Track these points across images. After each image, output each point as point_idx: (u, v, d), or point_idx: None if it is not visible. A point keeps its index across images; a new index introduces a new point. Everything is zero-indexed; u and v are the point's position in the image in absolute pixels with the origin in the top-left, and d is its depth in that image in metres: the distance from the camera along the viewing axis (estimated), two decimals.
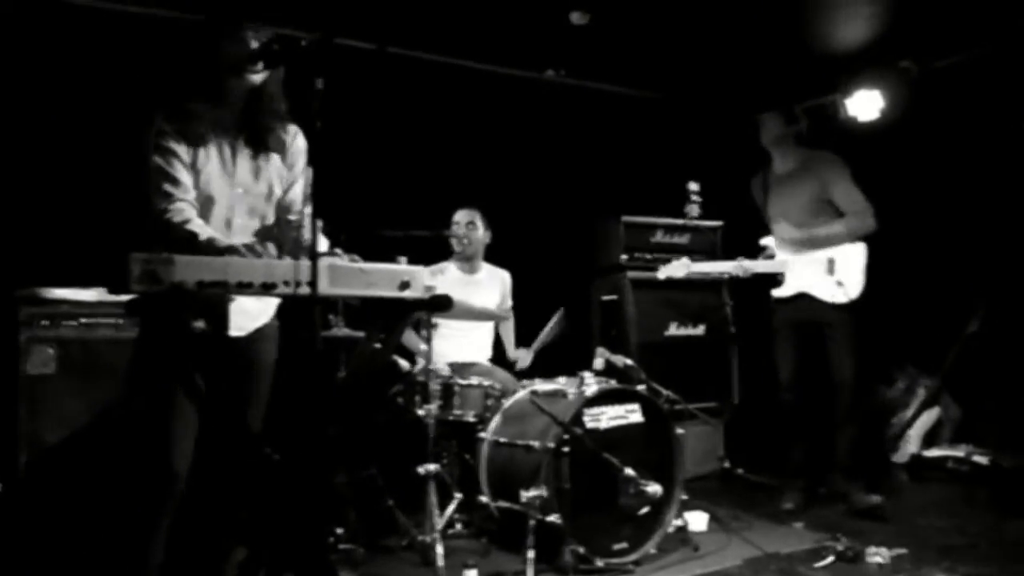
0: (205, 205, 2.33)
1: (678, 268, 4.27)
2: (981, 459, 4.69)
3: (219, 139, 2.36)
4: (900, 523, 3.83)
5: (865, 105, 5.25)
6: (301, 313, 2.03)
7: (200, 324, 2.25)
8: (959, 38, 4.84)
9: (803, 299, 4.09)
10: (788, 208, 4.15)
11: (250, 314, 2.42)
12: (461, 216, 4.30)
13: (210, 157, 2.34)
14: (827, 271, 4.06)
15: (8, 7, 3.72)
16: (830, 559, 3.24)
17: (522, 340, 4.49)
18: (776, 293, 4.15)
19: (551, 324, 4.22)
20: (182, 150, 2.29)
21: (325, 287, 2.01)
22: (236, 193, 2.38)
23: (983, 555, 3.30)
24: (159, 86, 2.40)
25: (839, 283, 4.03)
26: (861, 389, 4.12)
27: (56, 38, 3.85)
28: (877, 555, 3.22)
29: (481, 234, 4.31)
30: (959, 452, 4.85)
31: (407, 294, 2.14)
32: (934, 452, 4.97)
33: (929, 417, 5.14)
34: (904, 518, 3.92)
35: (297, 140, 2.52)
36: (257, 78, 2.34)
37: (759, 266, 4.20)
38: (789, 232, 4.13)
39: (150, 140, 2.29)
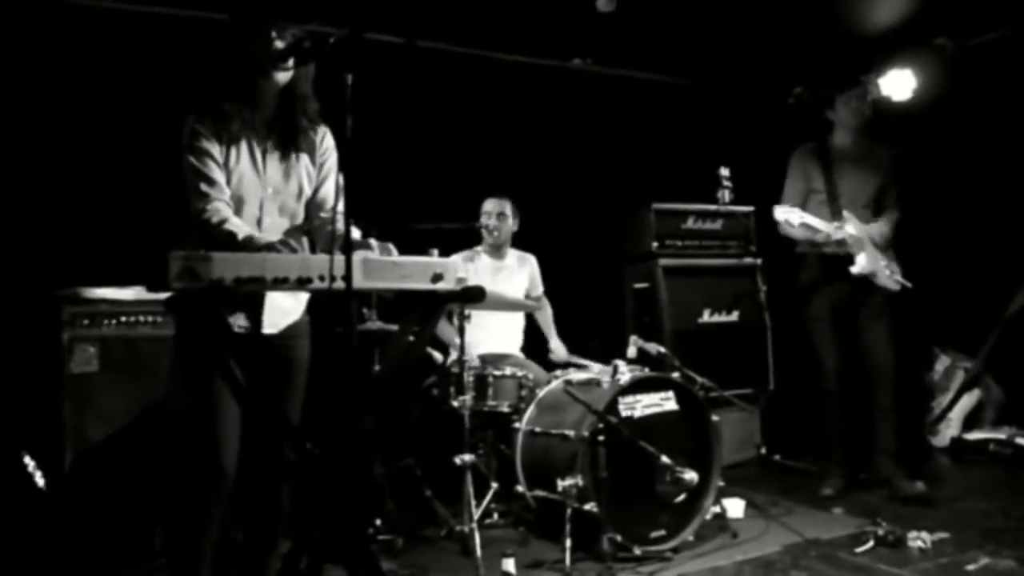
0: (236, 204, 2.35)
1: (789, 212, 3.94)
2: None
3: (250, 139, 2.37)
4: (942, 507, 3.79)
5: (899, 85, 5.16)
6: (336, 307, 2.05)
7: (240, 321, 2.30)
8: (995, 14, 4.74)
9: (865, 283, 4.03)
10: (857, 192, 4.11)
11: (282, 310, 2.44)
12: (491, 206, 4.30)
13: (241, 157, 2.36)
14: (884, 259, 4.07)
15: (44, 13, 3.80)
16: (870, 544, 3.21)
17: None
18: (854, 270, 3.98)
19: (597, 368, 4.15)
20: (215, 150, 2.31)
21: (360, 281, 2.03)
22: (267, 193, 2.40)
23: None
24: (193, 86, 2.42)
25: (893, 271, 4.07)
26: (902, 374, 4.07)
27: (91, 41, 3.92)
28: (919, 539, 3.18)
29: (511, 223, 4.31)
30: (1001, 435, 4.77)
31: (440, 286, 2.15)
32: (976, 435, 4.90)
33: (970, 400, 5.06)
34: (945, 502, 3.87)
35: (326, 139, 2.53)
36: (286, 76, 2.35)
37: (853, 237, 3.97)
38: (859, 214, 4.06)
39: (184, 140, 2.32)
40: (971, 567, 2.97)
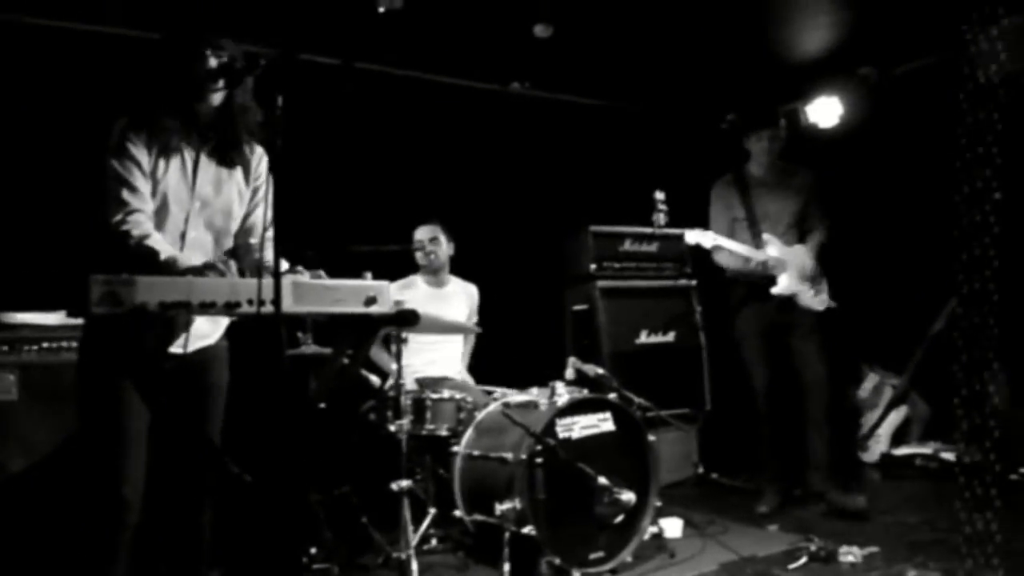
0: (160, 215, 2.27)
1: (703, 236, 4.12)
2: (949, 456, 4.75)
3: (182, 149, 2.31)
4: (871, 521, 3.88)
5: (825, 112, 5.36)
6: (267, 332, 2.00)
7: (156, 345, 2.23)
8: (917, 44, 4.95)
9: (790, 302, 4.14)
10: (777, 215, 4.22)
11: (198, 333, 2.35)
12: (423, 233, 4.29)
13: (171, 167, 2.28)
14: (808, 280, 4.16)
15: None
16: (804, 560, 3.27)
17: (487, 352, 4.48)
18: (775, 291, 4.12)
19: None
20: (143, 157, 2.23)
21: (290, 305, 2.00)
22: (194, 206, 2.33)
23: (953, 549, 3.33)
24: (120, 105, 2.35)
25: (818, 291, 4.18)
26: (833, 391, 4.16)
27: (8, 59, 3.80)
28: (849, 554, 3.26)
29: (445, 248, 4.30)
30: (928, 449, 4.92)
31: (374, 310, 2.13)
32: (903, 450, 5.04)
33: (897, 416, 5.22)
34: (875, 516, 3.96)
35: (262, 163, 2.48)
36: (218, 97, 2.31)
37: (773, 258, 4.12)
38: (779, 237, 4.18)
39: (110, 143, 2.24)
40: None
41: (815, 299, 4.16)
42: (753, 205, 4.25)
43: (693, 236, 4.15)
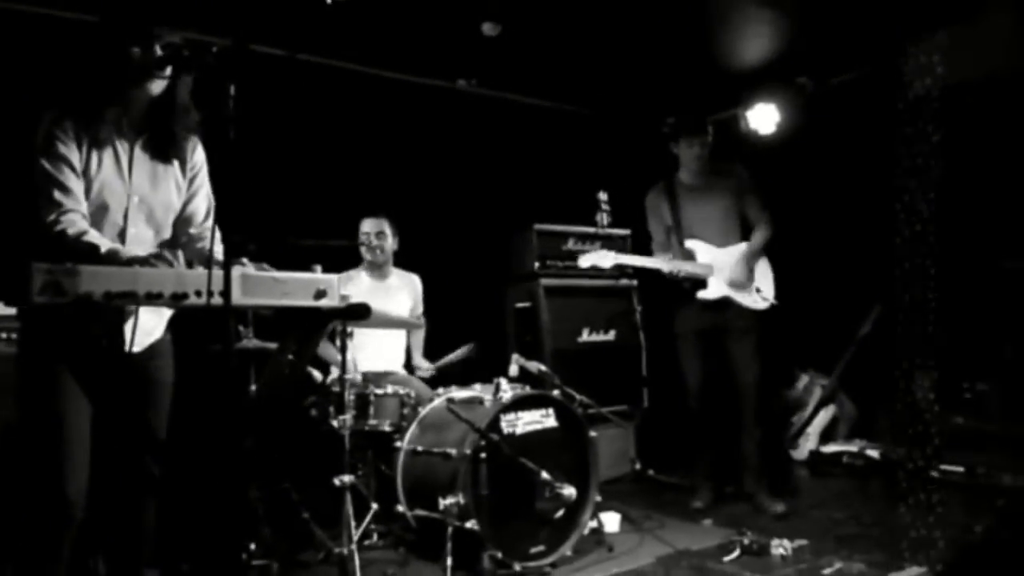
0: (98, 213, 2.21)
1: (603, 258, 4.19)
2: (874, 453, 4.95)
3: (115, 143, 2.25)
4: (801, 516, 4.03)
5: (763, 119, 5.51)
6: (211, 324, 1.97)
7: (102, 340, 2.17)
8: (851, 57, 5.13)
9: (725, 303, 4.20)
10: (706, 219, 4.27)
11: (144, 329, 2.30)
12: (369, 226, 4.28)
13: (104, 162, 2.22)
14: (748, 278, 4.23)
15: None
16: (737, 553, 3.38)
17: (434, 348, 4.49)
18: (702, 295, 4.19)
19: (458, 352, 4.20)
20: (74, 155, 2.16)
21: (239, 297, 1.99)
22: (132, 201, 2.27)
23: (876, 542, 3.50)
24: (56, 86, 2.27)
25: (758, 290, 4.24)
26: (765, 392, 4.28)
27: None
28: (780, 547, 3.37)
29: (390, 242, 4.30)
30: (854, 447, 5.10)
31: (323, 303, 2.13)
32: (831, 448, 5.22)
33: (826, 415, 5.40)
34: (804, 511, 4.11)
35: (197, 152, 2.44)
36: (161, 85, 2.25)
37: (688, 267, 4.20)
38: (712, 239, 4.25)
39: (38, 142, 2.16)
40: (826, 571, 3.17)
41: (750, 298, 4.21)
42: (681, 212, 4.32)
43: (587, 259, 4.21)
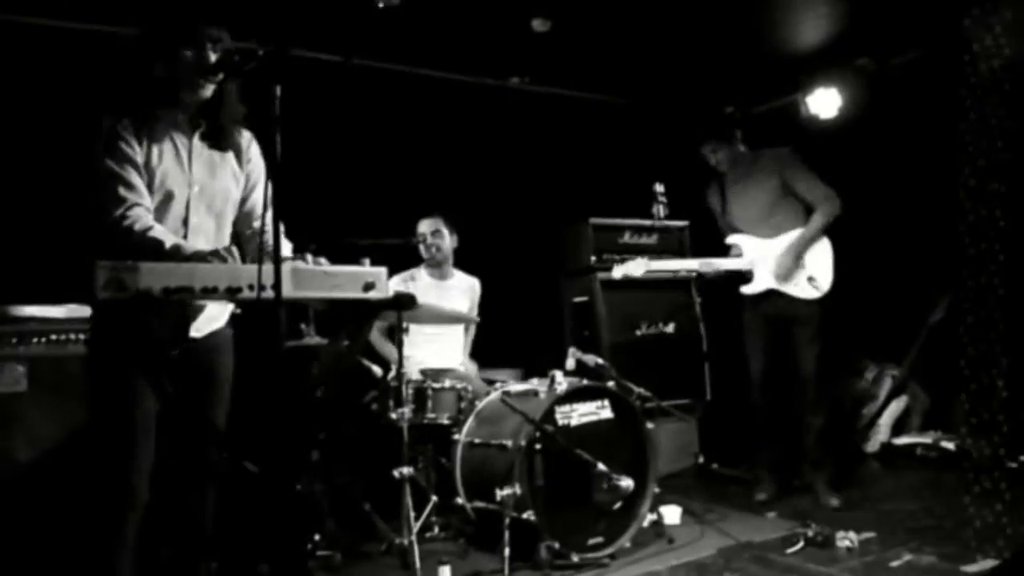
0: (162, 203, 2.31)
1: (636, 267, 4.19)
2: (949, 445, 4.78)
3: (173, 137, 2.35)
4: (870, 509, 3.92)
5: (824, 103, 5.38)
6: (266, 318, 2.04)
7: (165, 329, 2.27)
8: (913, 35, 4.97)
9: (773, 295, 4.13)
10: (750, 213, 4.21)
11: (209, 315, 2.41)
12: (426, 226, 4.34)
13: (164, 155, 2.32)
14: (794, 268, 4.12)
15: None
16: (801, 544, 3.31)
17: (488, 344, 4.53)
18: (746, 290, 4.17)
19: (506, 373, 4.24)
20: (135, 152, 2.26)
21: (289, 290, 2.05)
22: (193, 191, 2.37)
23: (949, 534, 3.39)
24: (117, 95, 2.38)
25: (810, 278, 4.11)
26: (826, 382, 4.18)
27: (12, 56, 3.86)
28: (846, 539, 3.29)
29: (448, 240, 4.35)
30: (927, 439, 4.95)
31: (372, 295, 2.18)
32: (903, 440, 5.07)
33: (897, 406, 5.24)
34: (874, 504, 4.00)
35: (252, 147, 2.53)
36: (212, 87, 2.34)
37: (726, 264, 4.18)
38: (759, 231, 4.18)
39: (101, 142, 2.26)
40: (895, 564, 3.08)
41: (798, 288, 4.10)
42: (728, 208, 4.30)
43: (619, 271, 4.24)
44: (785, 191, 4.16)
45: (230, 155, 2.47)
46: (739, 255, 4.25)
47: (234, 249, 2.14)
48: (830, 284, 4.11)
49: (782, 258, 4.09)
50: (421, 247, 4.30)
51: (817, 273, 4.11)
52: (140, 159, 2.27)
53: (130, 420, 2.24)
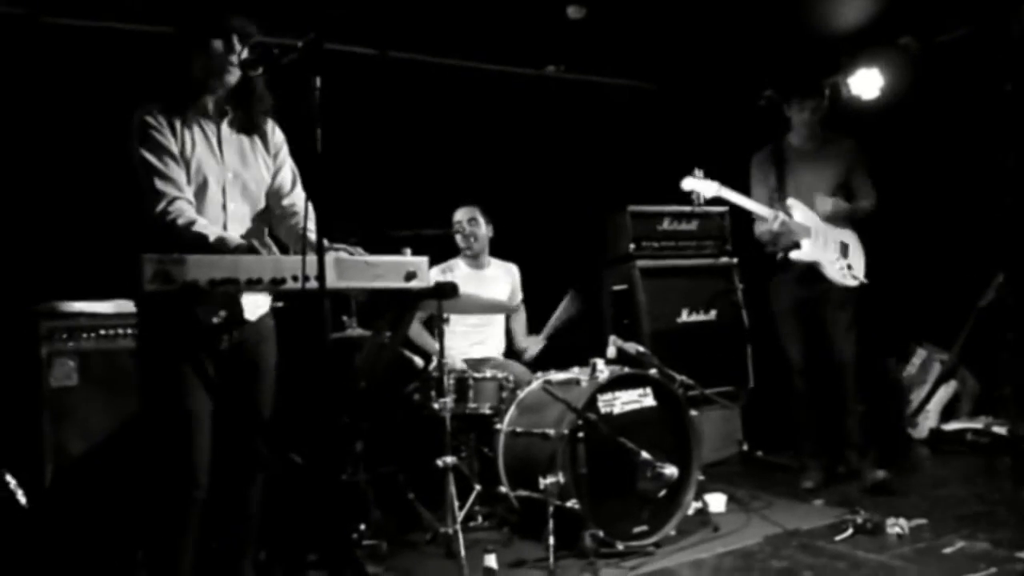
0: (199, 191, 2.35)
1: (707, 187, 4.10)
2: (1000, 430, 4.67)
3: (203, 125, 2.39)
4: (920, 495, 3.84)
5: (866, 84, 5.27)
6: (310, 310, 2.07)
7: (220, 315, 2.30)
8: (958, 13, 4.84)
9: (813, 272, 4.08)
10: (812, 185, 4.16)
11: (255, 301, 2.45)
12: (462, 215, 4.34)
13: (197, 143, 2.36)
14: (841, 253, 4.10)
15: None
16: (850, 532, 3.26)
17: (533, 332, 4.53)
18: (795, 255, 4.08)
19: (561, 307, 4.24)
20: (171, 143, 2.30)
21: (333, 280, 2.07)
22: (228, 177, 2.41)
23: (1002, 521, 3.31)
24: (149, 87, 2.42)
25: (849, 267, 4.10)
26: (866, 367, 4.11)
27: (59, 57, 3.93)
28: (897, 526, 3.23)
29: (484, 229, 4.35)
30: (978, 424, 4.83)
31: (413, 284, 2.18)
32: (953, 425, 4.96)
33: (946, 391, 5.13)
34: (924, 491, 3.93)
35: (276, 132, 2.59)
36: (236, 75, 2.37)
37: (794, 221, 4.05)
38: (817, 204, 4.13)
39: (135, 136, 2.30)
40: (947, 550, 3.02)
41: (840, 272, 4.07)
42: (786, 176, 4.21)
43: (689, 183, 4.13)
44: (846, 181, 4.18)
45: (258, 142, 2.51)
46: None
47: (271, 244, 2.16)
48: (863, 275, 4.12)
49: (828, 201, 4.08)
50: (458, 236, 4.30)
51: (854, 262, 4.12)
52: (176, 148, 2.31)
53: (185, 412, 2.29)
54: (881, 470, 3.96)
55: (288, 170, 2.57)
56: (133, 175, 2.31)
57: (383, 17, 4.35)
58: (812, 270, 4.09)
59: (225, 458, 2.41)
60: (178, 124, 2.33)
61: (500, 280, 4.45)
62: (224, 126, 2.43)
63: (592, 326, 4.86)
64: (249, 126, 2.47)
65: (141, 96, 2.37)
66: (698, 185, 4.13)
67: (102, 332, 3.40)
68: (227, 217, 2.39)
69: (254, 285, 2.01)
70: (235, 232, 2.36)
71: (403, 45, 4.77)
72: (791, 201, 4.14)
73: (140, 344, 2.46)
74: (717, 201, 4.21)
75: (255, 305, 2.46)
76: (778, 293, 4.23)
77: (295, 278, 2.03)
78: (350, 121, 4.26)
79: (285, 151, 2.58)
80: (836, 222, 4.14)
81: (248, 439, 2.45)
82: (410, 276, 2.19)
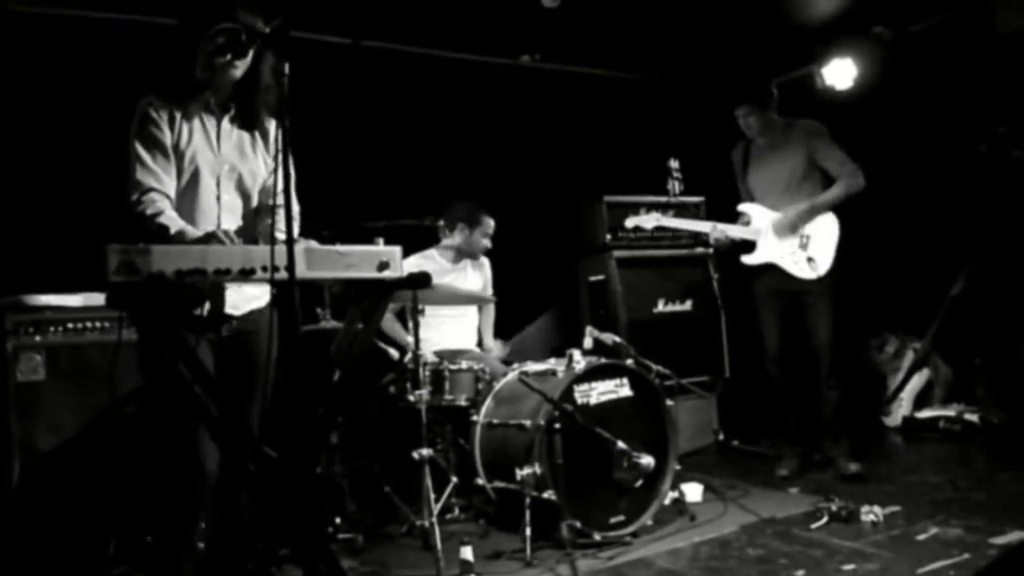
0: (193, 181, 2.35)
1: (647, 220, 4.30)
2: (972, 417, 4.72)
3: (203, 118, 2.40)
4: (894, 483, 3.87)
5: (840, 74, 5.28)
6: (282, 302, 2.04)
7: (205, 307, 2.27)
8: (932, 1, 4.87)
9: (775, 270, 4.12)
10: (772, 180, 4.17)
11: (246, 294, 2.44)
12: (492, 226, 4.31)
13: (195, 135, 2.36)
14: (800, 246, 4.09)
15: None
16: (825, 520, 3.28)
17: (504, 326, 4.50)
18: (745, 259, 4.15)
19: (536, 325, 4.22)
20: (165, 136, 2.31)
21: (303, 270, 2.03)
22: (223, 170, 2.41)
23: (974, 507, 3.34)
24: (151, 79, 2.40)
25: (810, 259, 4.07)
26: (841, 355, 4.11)
27: (24, 46, 3.85)
28: (871, 513, 3.25)
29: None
30: (950, 411, 4.88)
31: (386, 274, 2.15)
32: (926, 413, 5.01)
33: (919, 379, 5.19)
34: (898, 478, 3.96)
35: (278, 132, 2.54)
36: (242, 68, 2.36)
37: (733, 230, 4.16)
38: (777, 202, 4.13)
39: (133, 125, 2.31)
40: (921, 537, 3.04)
41: (798, 267, 4.07)
42: (748, 174, 4.27)
43: (632, 221, 4.39)
44: (811, 166, 4.12)
45: (259, 139, 2.51)
46: (747, 223, 4.23)
47: (232, 233, 2.12)
48: (830, 265, 4.04)
49: (784, 215, 4.08)
50: (483, 240, 4.27)
51: (817, 253, 4.06)
52: (169, 141, 2.32)
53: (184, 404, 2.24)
54: (855, 463, 3.97)
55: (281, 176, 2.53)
56: (115, 168, 2.32)
57: (356, 5, 4.29)
58: (765, 266, 4.14)
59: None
60: (178, 116, 2.34)
61: (473, 273, 4.41)
62: (225, 121, 2.43)
63: (568, 316, 4.85)
64: (251, 122, 2.47)
65: (138, 88, 2.36)
66: (640, 220, 4.38)
67: (69, 326, 3.33)
68: (220, 208, 2.40)
69: (222, 275, 1.96)
70: (228, 224, 2.37)
71: (376, 34, 4.72)
72: (743, 207, 4.23)
73: (138, 338, 2.42)
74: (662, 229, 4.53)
75: (249, 297, 2.44)
76: (760, 281, 4.24)
77: (264, 268, 1.99)
78: (322, 111, 4.21)
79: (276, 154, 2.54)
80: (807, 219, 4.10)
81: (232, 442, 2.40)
82: (383, 266, 2.16)
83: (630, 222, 4.33)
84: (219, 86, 2.39)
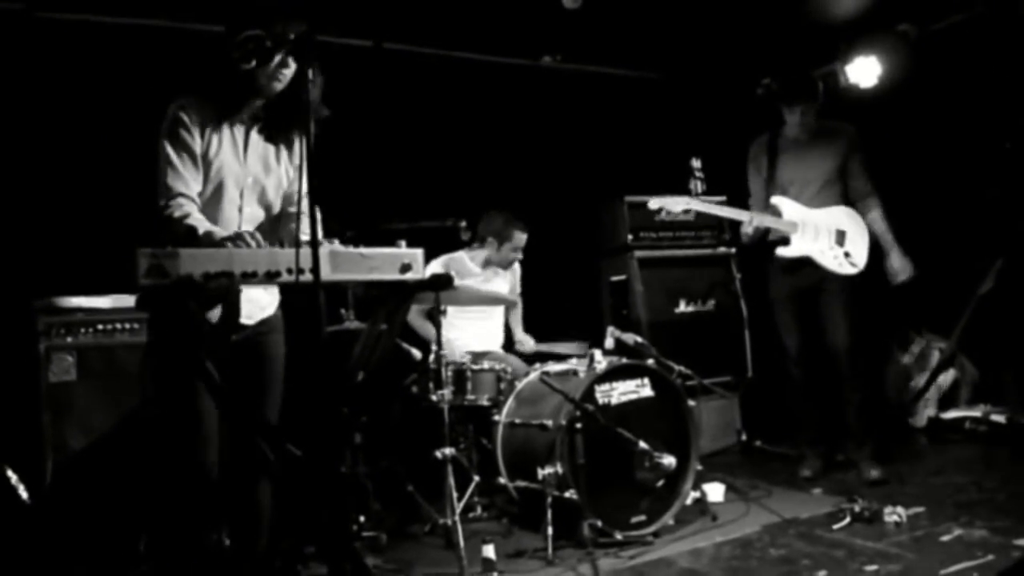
0: (217, 191, 2.37)
1: (675, 203, 4.16)
2: (999, 418, 4.67)
3: (233, 128, 2.40)
4: (918, 484, 3.85)
5: (864, 72, 5.24)
6: (306, 301, 2.06)
7: (215, 314, 2.31)
8: None
9: (806, 264, 4.07)
10: (803, 178, 4.14)
11: (259, 304, 2.46)
12: (524, 240, 4.33)
13: (223, 145, 2.38)
14: (836, 242, 4.07)
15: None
16: (847, 520, 3.27)
17: (531, 325, 4.52)
18: (782, 252, 4.09)
19: (568, 346, 4.20)
20: (195, 143, 2.32)
21: (328, 273, 2.06)
22: (247, 182, 2.43)
23: (1000, 508, 3.32)
24: (186, 85, 2.42)
25: (847, 254, 4.06)
26: (863, 356, 4.08)
27: (57, 53, 3.93)
28: (894, 514, 3.23)
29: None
30: (976, 412, 4.83)
31: (409, 276, 2.18)
32: (952, 414, 4.96)
33: (945, 379, 5.13)
34: (922, 479, 3.93)
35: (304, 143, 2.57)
36: (282, 82, 2.35)
37: (769, 221, 4.08)
38: (811, 199, 4.12)
39: (164, 128, 2.32)
40: (945, 538, 3.03)
41: (836, 261, 4.04)
42: (778, 167, 4.19)
43: (656, 202, 4.19)
44: (841, 170, 4.14)
45: (283, 149, 2.51)
46: (778, 216, 4.17)
47: (258, 234, 2.14)
48: (865, 263, 4.07)
49: (835, 226, 4.07)
50: (512, 254, 4.30)
51: (853, 249, 4.07)
52: (199, 149, 2.32)
53: (195, 411, 2.29)
54: (876, 469, 3.93)
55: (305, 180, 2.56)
56: (145, 172, 2.34)
57: (378, 9, 4.33)
58: (804, 261, 4.08)
59: (235, 452, 2.41)
60: (207, 125, 2.35)
61: (501, 275, 4.44)
62: (254, 132, 2.44)
63: (590, 316, 4.87)
64: (278, 135, 2.47)
65: (176, 89, 2.38)
66: (666, 202, 4.17)
67: (100, 327, 3.40)
68: (242, 219, 2.42)
69: (249, 278, 1.99)
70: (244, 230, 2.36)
71: (398, 37, 4.75)
72: (775, 200, 4.14)
73: (149, 341, 2.46)
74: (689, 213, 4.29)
75: (261, 306, 2.47)
76: (774, 282, 4.22)
77: (290, 271, 2.02)
78: (345, 114, 4.24)
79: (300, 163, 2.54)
80: (831, 208, 4.10)
81: (253, 438, 2.44)
82: (405, 268, 2.18)
83: (654, 203, 4.18)
84: (255, 96, 2.38)
